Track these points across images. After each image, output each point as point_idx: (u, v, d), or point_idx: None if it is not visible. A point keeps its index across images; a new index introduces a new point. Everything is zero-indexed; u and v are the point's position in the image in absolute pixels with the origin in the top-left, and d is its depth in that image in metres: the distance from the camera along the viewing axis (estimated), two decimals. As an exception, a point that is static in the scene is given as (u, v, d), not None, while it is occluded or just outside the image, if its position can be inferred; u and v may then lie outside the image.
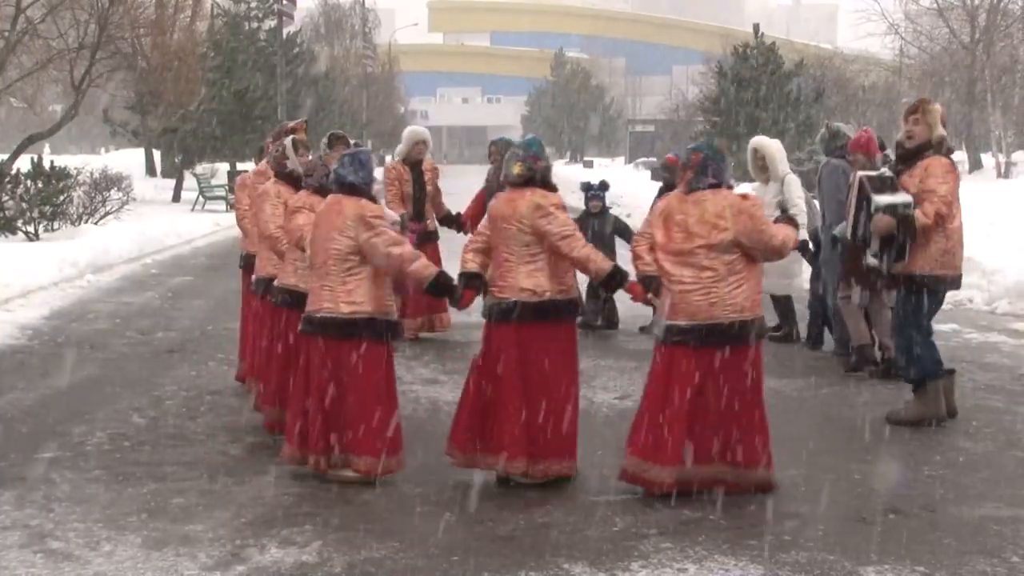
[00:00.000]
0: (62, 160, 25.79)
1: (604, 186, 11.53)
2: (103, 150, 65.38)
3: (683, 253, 5.96)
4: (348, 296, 6.14)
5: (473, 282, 6.27)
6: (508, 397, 6.07)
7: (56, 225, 20.17)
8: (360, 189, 6.28)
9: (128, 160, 39.82)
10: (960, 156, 50.13)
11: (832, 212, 9.08)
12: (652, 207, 6.65)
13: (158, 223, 22.59)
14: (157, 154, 41.45)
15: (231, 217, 27.96)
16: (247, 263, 8.52)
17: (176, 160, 36.09)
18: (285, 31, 38.83)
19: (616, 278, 6.17)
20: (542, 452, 6.10)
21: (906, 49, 47.97)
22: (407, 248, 6.26)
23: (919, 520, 5.65)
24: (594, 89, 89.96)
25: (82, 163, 25.44)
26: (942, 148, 7.46)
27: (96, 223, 21.95)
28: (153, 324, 11.99)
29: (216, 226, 25.44)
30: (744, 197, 6.12)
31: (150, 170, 41.62)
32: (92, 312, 12.79)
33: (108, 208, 22.91)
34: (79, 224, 21.17)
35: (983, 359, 9.79)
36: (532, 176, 6.16)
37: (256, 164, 9.14)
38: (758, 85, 36.05)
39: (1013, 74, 43.08)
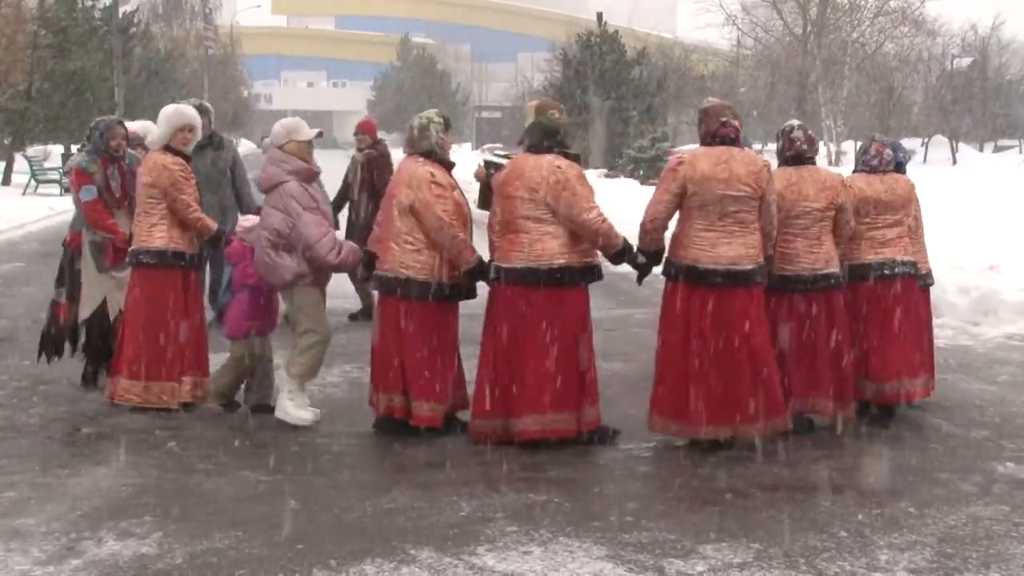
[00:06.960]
0: None
1: None
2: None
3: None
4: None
5: None
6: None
7: None
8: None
9: (-48, 141, 38.07)
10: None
11: None
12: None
13: (-15, 207, 21.70)
14: (-16, 135, 39.76)
15: (66, 201, 27.12)
16: None
17: (5, 141, 34.70)
18: (121, 10, 37.67)
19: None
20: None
21: (743, 40, 49.29)
22: None
23: (755, 499, 5.83)
24: (440, 74, 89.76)
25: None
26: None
27: (-82, 207, 20.97)
28: (-18, 312, 11.52)
29: (50, 210, 24.51)
30: None
31: (-24, 152, 39.93)
32: (-85, 300, 12.22)
33: (-69, 191, 21.93)
34: None
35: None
36: None
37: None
38: (602, 73, 36.54)
39: (842, 66, 44.60)
